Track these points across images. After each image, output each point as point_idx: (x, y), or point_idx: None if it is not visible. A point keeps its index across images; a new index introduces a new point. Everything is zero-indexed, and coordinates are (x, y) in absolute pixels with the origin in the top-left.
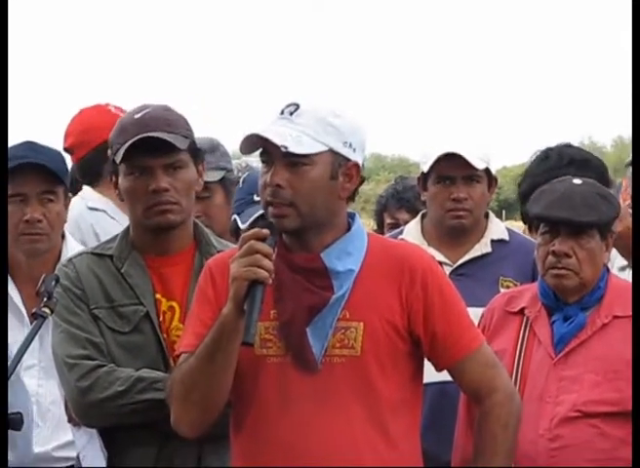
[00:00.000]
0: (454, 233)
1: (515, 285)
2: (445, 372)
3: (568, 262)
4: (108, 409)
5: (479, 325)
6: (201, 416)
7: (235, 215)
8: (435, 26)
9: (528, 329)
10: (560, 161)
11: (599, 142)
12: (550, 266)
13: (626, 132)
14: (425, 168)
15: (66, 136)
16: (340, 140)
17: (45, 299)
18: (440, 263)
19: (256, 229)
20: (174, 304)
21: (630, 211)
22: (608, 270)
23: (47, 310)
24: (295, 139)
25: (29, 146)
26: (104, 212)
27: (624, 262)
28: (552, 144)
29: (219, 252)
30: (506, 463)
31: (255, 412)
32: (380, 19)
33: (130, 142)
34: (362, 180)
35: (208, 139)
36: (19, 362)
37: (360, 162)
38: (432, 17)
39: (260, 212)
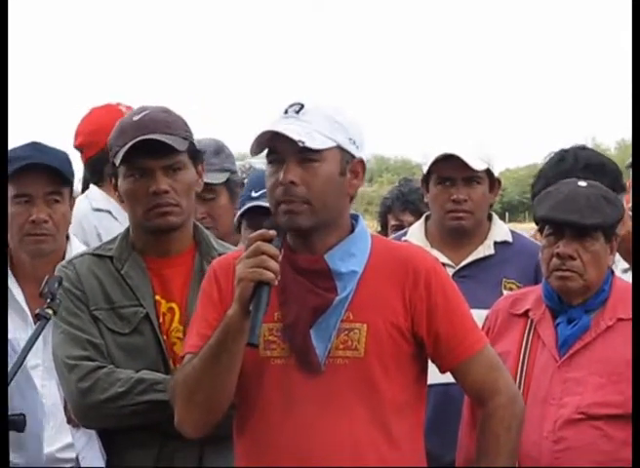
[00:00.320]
0: (455, 234)
1: (518, 287)
2: (449, 374)
3: (572, 264)
4: (108, 410)
5: (483, 327)
6: (205, 417)
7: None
8: (439, 28)
9: (532, 331)
10: (576, 164)
11: (603, 145)
12: (555, 268)
13: (630, 134)
14: (424, 169)
15: (76, 135)
16: (346, 137)
17: (48, 301)
18: (443, 265)
19: (262, 230)
20: (173, 306)
21: (630, 213)
22: (612, 272)
23: (50, 311)
24: (308, 135)
25: (35, 147)
26: (109, 212)
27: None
28: (566, 146)
29: (219, 254)
30: (509, 464)
31: (258, 414)
32: (382, 20)
33: (129, 145)
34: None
35: (213, 141)
36: (22, 362)
37: (365, 159)
38: (436, 18)
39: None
